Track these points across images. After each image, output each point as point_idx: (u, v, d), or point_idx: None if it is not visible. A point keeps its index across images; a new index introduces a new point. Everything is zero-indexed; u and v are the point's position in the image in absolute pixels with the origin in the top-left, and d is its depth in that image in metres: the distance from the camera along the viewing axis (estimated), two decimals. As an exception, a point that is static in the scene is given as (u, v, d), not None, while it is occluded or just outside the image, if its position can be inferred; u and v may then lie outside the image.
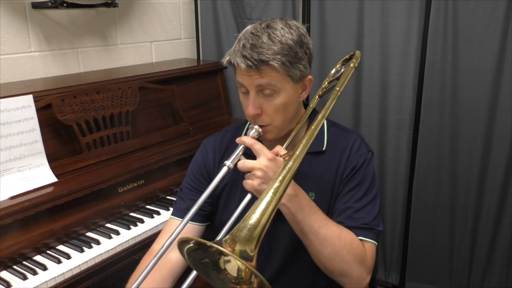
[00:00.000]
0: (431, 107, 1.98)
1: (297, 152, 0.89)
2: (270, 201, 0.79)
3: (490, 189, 1.95)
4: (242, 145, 0.95)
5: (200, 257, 0.76)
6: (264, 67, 0.95)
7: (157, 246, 1.12)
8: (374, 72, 2.06)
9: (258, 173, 0.91)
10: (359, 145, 1.10)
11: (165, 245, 0.81)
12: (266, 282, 0.69)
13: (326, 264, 0.98)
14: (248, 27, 1.01)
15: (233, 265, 0.76)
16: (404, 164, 2.10)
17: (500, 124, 1.86)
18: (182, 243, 0.73)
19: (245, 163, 0.93)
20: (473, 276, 2.08)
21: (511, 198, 1.91)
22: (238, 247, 0.72)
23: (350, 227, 1.02)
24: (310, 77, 1.06)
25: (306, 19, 2.15)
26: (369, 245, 1.03)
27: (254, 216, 0.76)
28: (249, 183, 0.92)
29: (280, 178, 0.83)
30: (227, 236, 0.74)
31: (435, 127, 1.99)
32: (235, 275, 0.76)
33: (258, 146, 0.94)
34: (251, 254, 0.72)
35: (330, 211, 1.07)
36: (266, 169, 0.91)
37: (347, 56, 1.27)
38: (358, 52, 1.22)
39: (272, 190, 0.80)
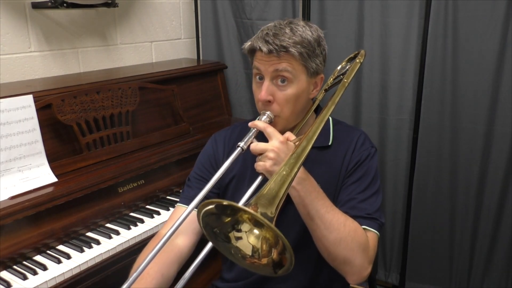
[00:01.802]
0: (431, 107, 1.98)
1: (310, 134, 0.93)
2: (287, 175, 0.83)
3: (490, 189, 1.95)
4: (255, 129, 0.99)
5: (214, 225, 0.79)
6: (283, 53, 1.01)
7: (164, 231, 1.17)
8: (374, 72, 2.06)
9: (271, 154, 0.95)
10: (364, 141, 1.15)
11: (171, 230, 0.83)
12: (288, 244, 0.72)
13: (330, 250, 1.00)
14: (271, 23, 1.08)
15: (245, 241, 0.80)
16: (404, 164, 2.10)
17: (500, 124, 1.86)
18: (203, 206, 0.76)
19: (257, 145, 0.97)
20: (473, 276, 2.08)
21: (511, 198, 1.91)
22: (259, 210, 0.76)
23: (353, 216, 1.04)
24: (322, 75, 1.11)
25: (306, 19, 2.15)
26: (372, 234, 1.06)
27: (272, 187, 0.80)
28: (261, 164, 0.96)
29: (295, 155, 0.87)
30: (251, 201, 0.77)
31: (435, 127, 1.99)
32: (250, 251, 0.80)
33: (270, 130, 0.98)
34: (271, 215, 0.76)
35: (335, 203, 1.08)
36: (278, 151, 0.95)
37: (352, 55, 1.32)
38: (363, 51, 1.28)
39: (287, 166, 0.85)
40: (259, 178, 0.96)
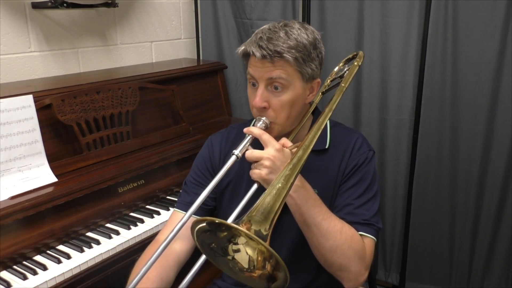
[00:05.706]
0: (431, 107, 1.98)
1: (306, 143, 0.91)
2: (282, 187, 0.81)
3: (490, 189, 1.95)
4: (250, 135, 0.97)
5: (210, 241, 0.78)
6: (277, 59, 0.98)
7: (161, 236, 1.17)
8: (374, 72, 2.06)
9: (266, 162, 0.93)
10: (361, 144, 1.13)
11: (169, 238, 0.83)
12: (282, 261, 0.71)
13: (326, 257, 1.00)
14: (266, 25, 1.05)
15: (243, 254, 0.78)
16: (404, 164, 2.10)
17: (500, 124, 1.86)
18: (195, 223, 0.76)
19: (253, 153, 0.95)
20: (473, 276, 2.09)
21: (511, 198, 1.91)
22: (253, 227, 0.74)
23: (350, 222, 1.04)
24: (318, 80, 1.08)
25: (306, 19, 2.15)
26: (369, 240, 1.05)
27: (267, 201, 0.78)
28: (256, 172, 0.94)
29: (291, 166, 0.85)
30: (244, 217, 0.76)
31: (435, 127, 1.99)
32: (246, 263, 0.78)
33: (266, 137, 0.96)
34: (265, 233, 0.74)
35: (331, 208, 1.08)
36: (274, 159, 0.93)
37: (350, 56, 1.29)
38: (361, 52, 1.24)
39: (283, 178, 0.83)
40: (255, 186, 0.94)
